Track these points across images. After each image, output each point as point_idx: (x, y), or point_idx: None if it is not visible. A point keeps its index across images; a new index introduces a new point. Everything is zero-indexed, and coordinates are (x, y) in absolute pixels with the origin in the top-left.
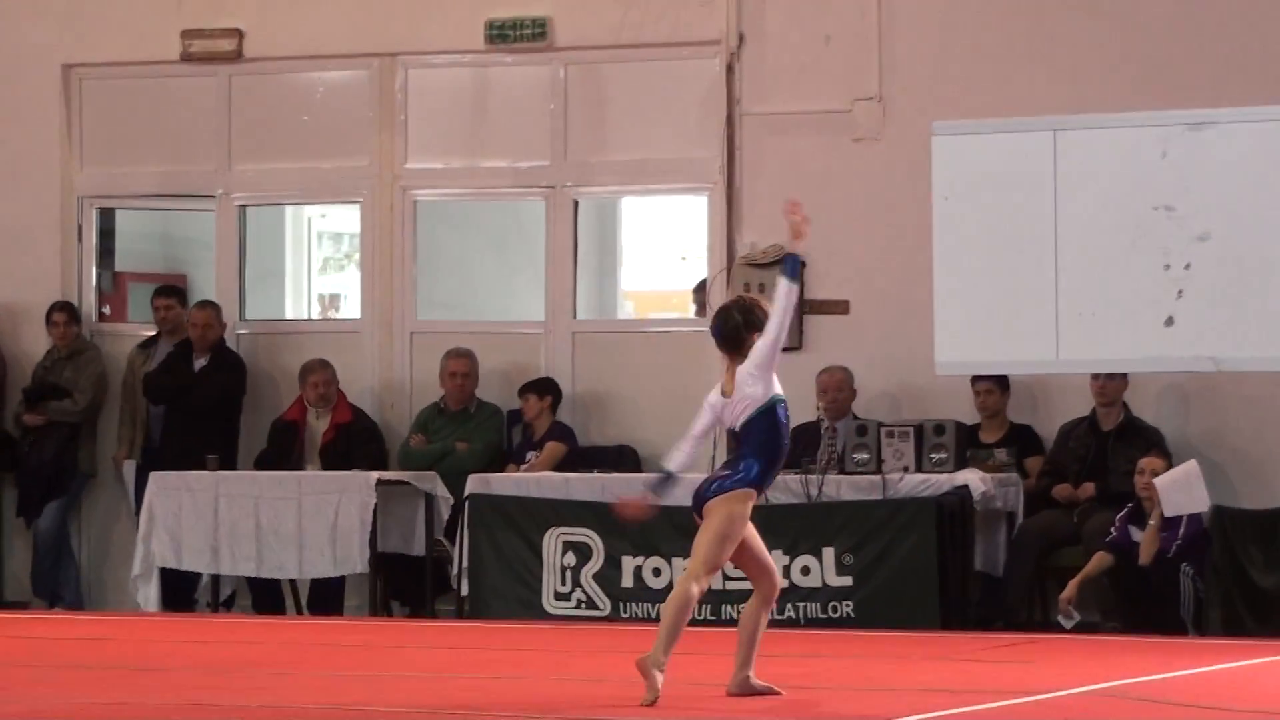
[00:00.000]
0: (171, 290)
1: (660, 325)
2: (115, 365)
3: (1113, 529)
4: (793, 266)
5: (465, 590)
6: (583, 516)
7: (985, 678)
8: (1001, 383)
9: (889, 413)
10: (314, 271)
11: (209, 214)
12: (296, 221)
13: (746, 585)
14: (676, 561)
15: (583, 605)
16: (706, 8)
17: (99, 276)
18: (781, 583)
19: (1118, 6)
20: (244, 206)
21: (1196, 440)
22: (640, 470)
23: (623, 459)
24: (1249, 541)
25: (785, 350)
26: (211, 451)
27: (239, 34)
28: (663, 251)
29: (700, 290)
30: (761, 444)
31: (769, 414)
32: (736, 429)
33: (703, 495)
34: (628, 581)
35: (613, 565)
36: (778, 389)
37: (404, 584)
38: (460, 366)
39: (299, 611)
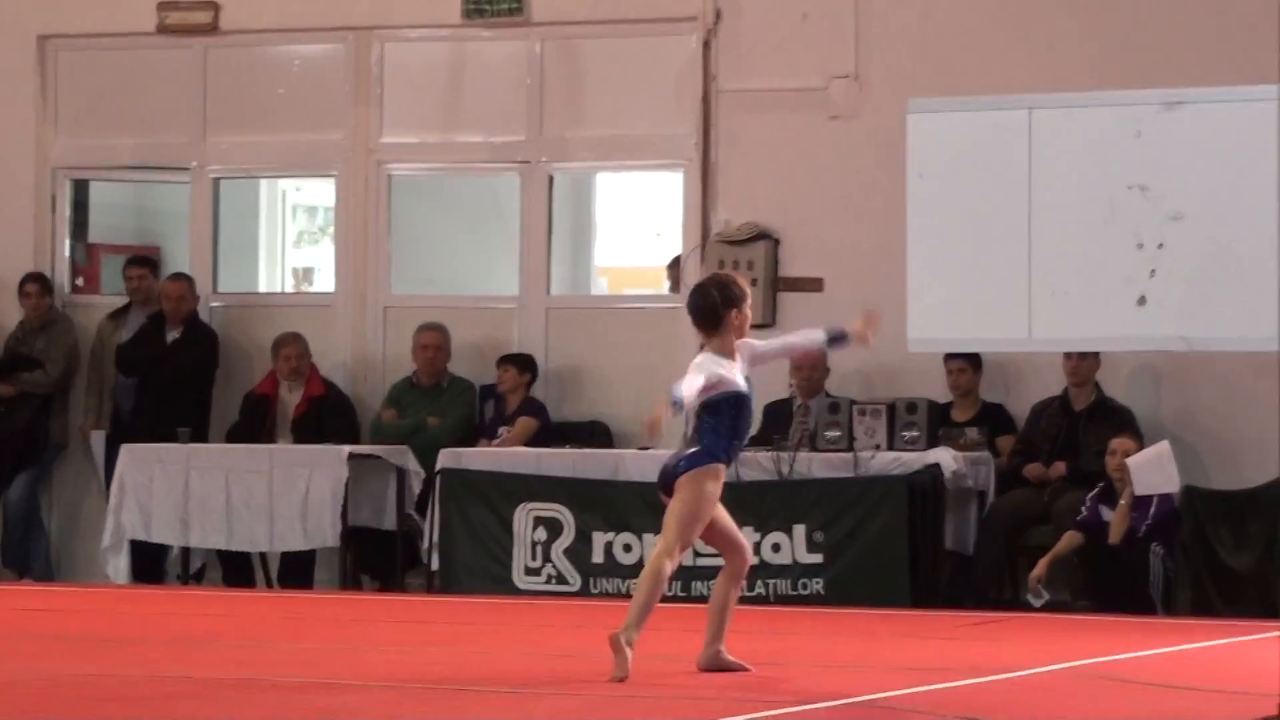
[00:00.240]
0: (143, 260)
1: (634, 301)
2: (88, 336)
3: (1083, 508)
4: (837, 339)
5: (435, 565)
6: (554, 492)
7: (955, 655)
8: (974, 361)
9: (861, 390)
10: (288, 245)
11: (183, 186)
12: (271, 194)
13: (717, 561)
14: (647, 538)
15: (553, 580)
16: None
17: (72, 248)
18: (752, 559)
19: None
20: (218, 179)
21: (1168, 420)
22: (612, 446)
23: (595, 434)
24: (1219, 522)
25: (758, 326)
26: (183, 424)
27: (215, 6)
28: (637, 227)
29: (674, 266)
30: (727, 422)
31: (735, 400)
32: (697, 405)
33: (671, 473)
34: (598, 557)
35: (583, 541)
36: (738, 385)
37: (374, 558)
38: (432, 340)
39: (269, 584)
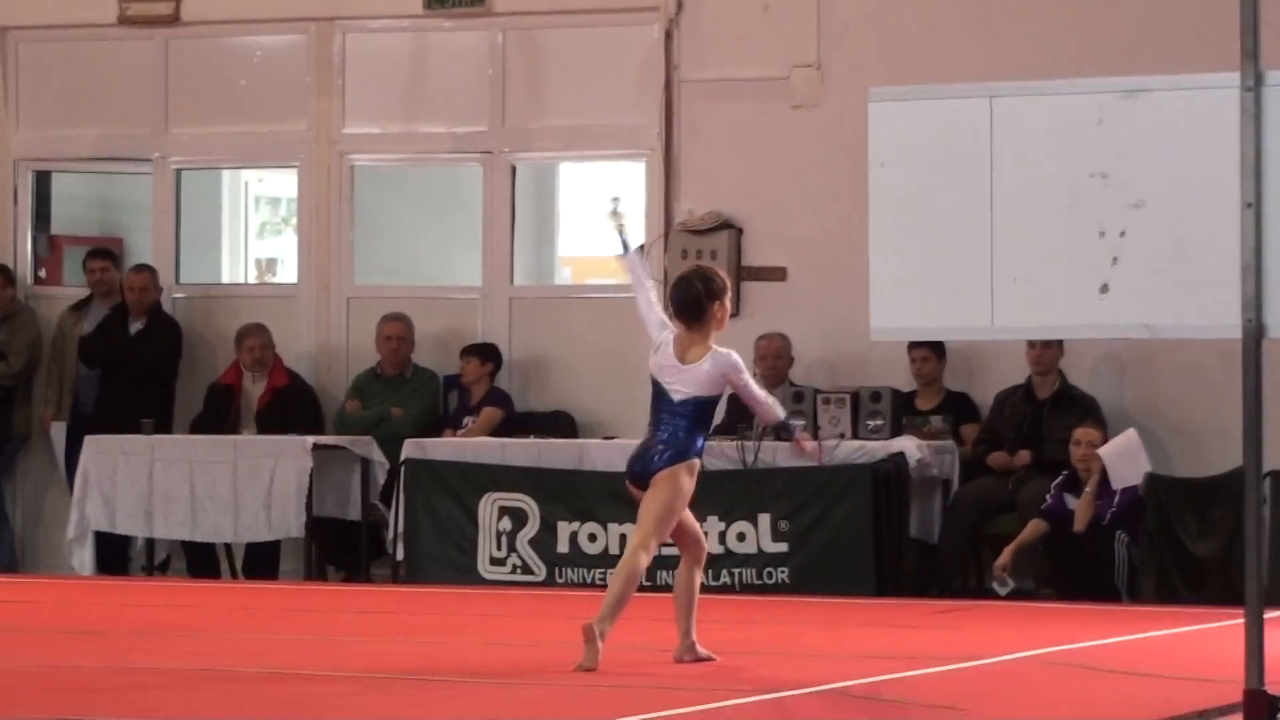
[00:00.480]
0: (105, 253)
1: (597, 291)
2: (50, 328)
3: (1048, 497)
4: (783, 429)
5: (400, 555)
6: (519, 482)
7: (919, 644)
8: (938, 350)
9: (826, 379)
10: (251, 236)
11: (145, 177)
12: (233, 185)
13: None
14: (612, 527)
15: (518, 570)
16: None
17: (34, 239)
18: (716, 548)
19: None
20: (180, 170)
21: (1131, 409)
22: (577, 436)
23: (559, 424)
24: (1183, 509)
25: None
26: (147, 415)
27: None
28: (600, 217)
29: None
30: (700, 420)
31: (712, 405)
32: (675, 400)
33: (647, 468)
34: (563, 547)
35: (548, 531)
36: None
37: (339, 548)
38: (395, 331)
39: (234, 575)
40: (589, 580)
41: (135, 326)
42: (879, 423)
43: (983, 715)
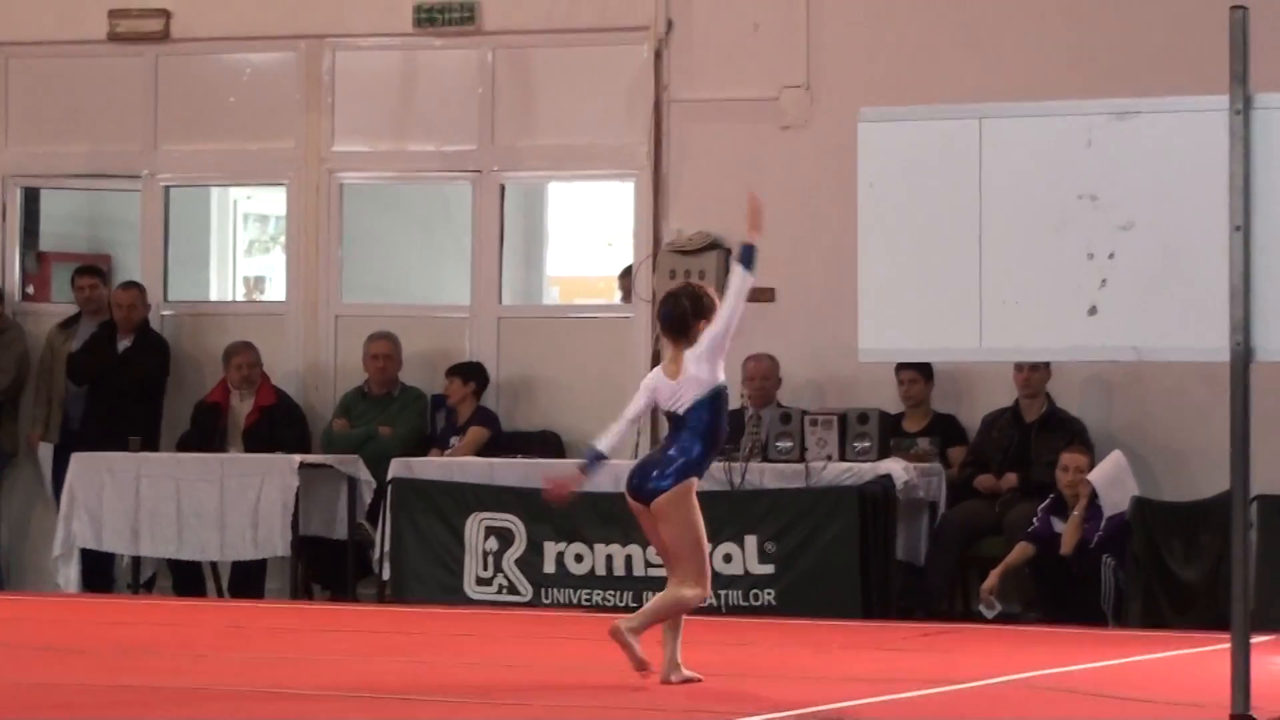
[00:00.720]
0: (93, 270)
1: (586, 311)
2: (38, 345)
3: (1035, 520)
4: (748, 256)
5: (387, 574)
6: (506, 502)
7: (906, 667)
8: (925, 372)
9: (813, 401)
10: (239, 253)
11: (134, 194)
12: (222, 203)
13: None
14: (599, 548)
15: (504, 590)
16: None
17: (23, 256)
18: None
19: None
20: (169, 187)
21: (1119, 432)
22: (564, 456)
23: (547, 444)
24: (1170, 534)
25: None
26: (134, 433)
27: (166, 14)
28: (589, 237)
29: (626, 276)
30: (704, 430)
31: (714, 400)
32: (680, 413)
33: (647, 486)
34: (550, 567)
35: (535, 551)
36: (722, 377)
37: (325, 567)
38: (383, 349)
39: (220, 594)
40: (575, 601)
41: (123, 344)
42: (866, 444)
43: None
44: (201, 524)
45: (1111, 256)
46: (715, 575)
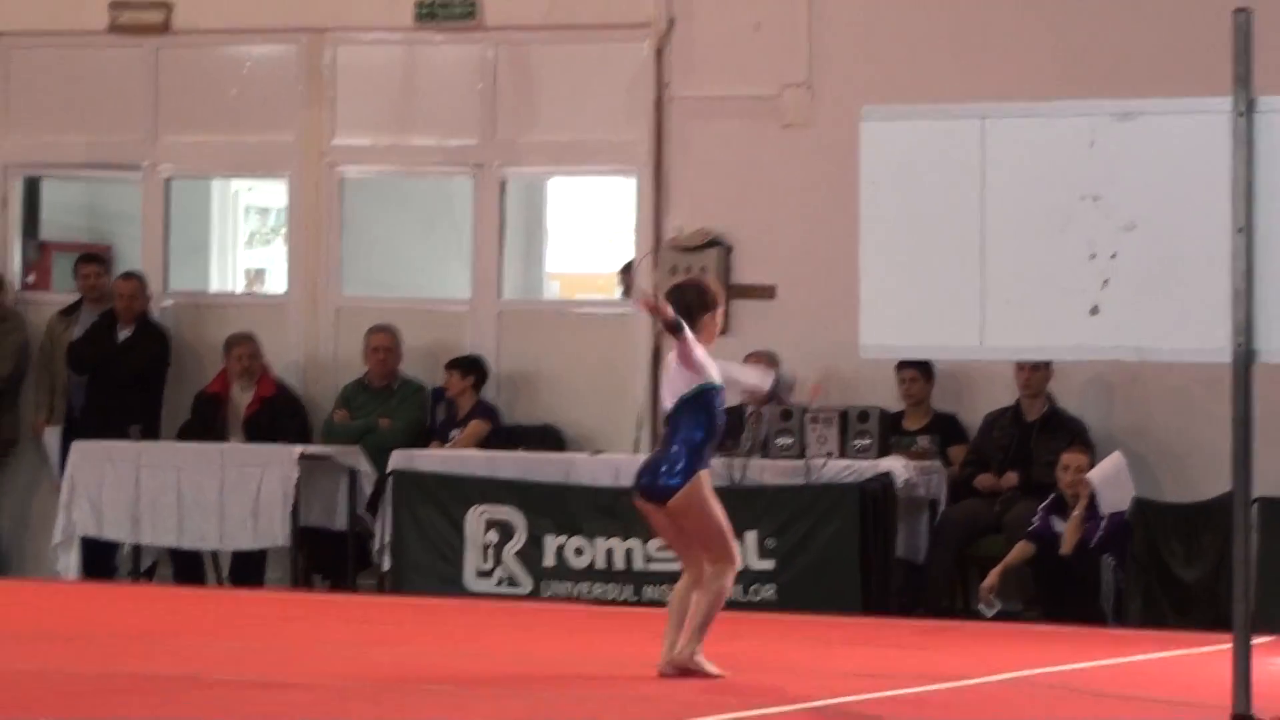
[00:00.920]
0: (96, 258)
1: (586, 306)
2: (38, 334)
3: (1035, 519)
4: (776, 388)
5: (387, 565)
6: (506, 494)
7: (905, 663)
8: (926, 371)
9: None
10: (240, 245)
11: (135, 185)
12: (223, 194)
13: (668, 567)
14: (599, 541)
15: (504, 583)
16: None
17: (24, 246)
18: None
19: None
20: (170, 179)
21: (1120, 432)
22: (564, 449)
23: (546, 438)
24: (1170, 534)
25: None
26: (134, 422)
27: (167, 6)
28: (589, 233)
29: (626, 272)
30: (697, 423)
31: (697, 399)
32: (669, 408)
33: (657, 485)
34: (549, 560)
35: (535, 544)
36: (712, 378)
37: (326, 558)
38: (382, 342)
39: (220, 583)
40: (575, 594)
41: (123, 333)
42: (866, 442)
43: None
44: (202, 513)
45: (1114, 257)
46: None
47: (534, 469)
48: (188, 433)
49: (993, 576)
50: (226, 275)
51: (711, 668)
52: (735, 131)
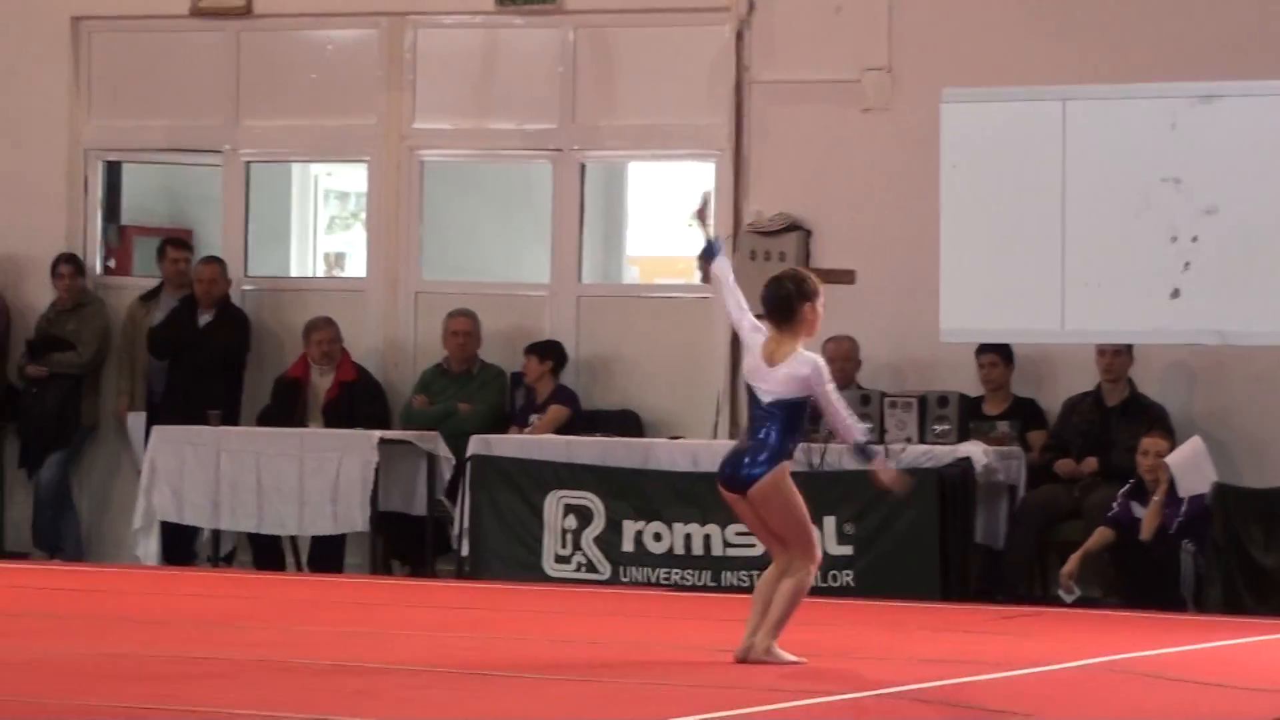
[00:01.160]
0: (183, 243)
1: (665, 291)
2: (119, 318)
3: (1114, 504)
4: (865, 453)
5: (465, 551)
6: (584, 479)
7: (983, 649)
8: (1005, 355)
9: (893, 383)
10: (320, 229)
11: (216, 169)
12: (303, 179)
13: (747, 553)
14: (677, 527)
15: (583, 569)
16: None
17: (104, 229)
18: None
19: None
20: (250, 163)
21: (1200, 418)
22: (642, 434)
23: (625, 423)
24: (1250, 520)
25: None
26: (214, 407)
27: None
28: (669, 217)
29: (705, 257)
30: (787, 419)
31: (799, 407)
32: (764, 402)
33: (740, 475)
34: (628, 546)
35: (614, 529)
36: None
37: (405, 543)
38: (462, 326)
39: (299, 568)
40: (654, 579)
41: (204, 318)
42: (946, 427)
43: None
44: (281, 498)
45: (1195, 240)
46: None
47: (612, 454)
48: (267, 418)
49: (1072, 562)
50: (306, 260)
51: (789, 656)
52: (815, 115)
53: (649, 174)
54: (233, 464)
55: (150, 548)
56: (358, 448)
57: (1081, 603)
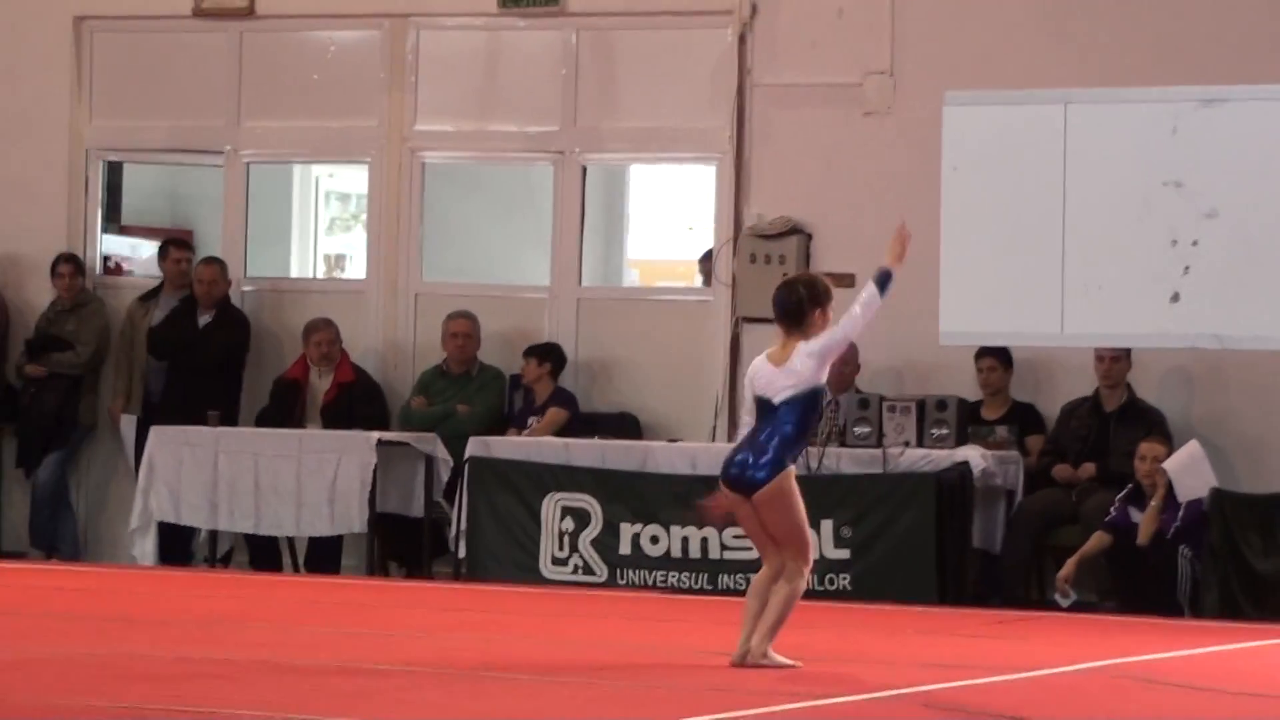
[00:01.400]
0: (184, 244)
1: (665, 294)
2: (119, 318)
3: (1112, 509)
4: (884, 279)
5: (463, 552)
6: (582, 482)
7: (980, 653)
8: (1005, 360)
9: (891, 387)
10: (320, 231)
11: (216, 170)
12: (304, 180)
13: (744, 555)
14: (675, 530)
15: (580, 571)
16: None
17: (104, 229)
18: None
19: None
20: (251, 164)
21: (1198, 423)
22: (641, 437)
23: (624, 426)
24: (1247, 526)
25: None
26: (213, 407)
27: None
28: (670, 221)
29: (706, 260)
30: (795, 421)
31: (809, 399)
32: (774, 402)
33: (745, 477)
34: (625, 549)
35: (611, 532)
36: (823, 379)
37: (402, 545)
38: (461, 328)
39: (296, 569)
40: (650, 582)
41: (204, 319)
42: (944, 432)
43: None
44: (279, 499)
45: (1195, 244)
46: None
47: (611, 457)
48: (266, 418)
49: (1069, 566)
50: (306, 261)
51: (784, 660)
52: (817, 119)
53: (650, 177)
54: (231, 464)
55: (147, 548)
56: (356, 449)
57: (1078, 607)
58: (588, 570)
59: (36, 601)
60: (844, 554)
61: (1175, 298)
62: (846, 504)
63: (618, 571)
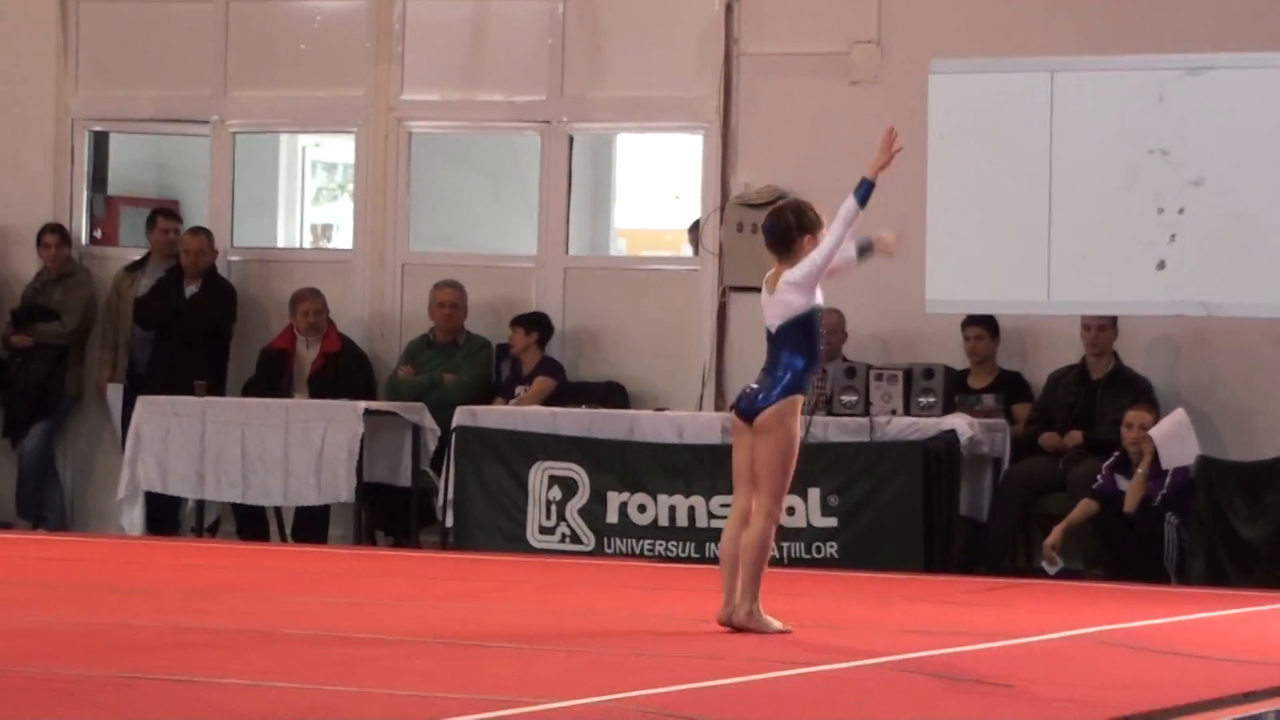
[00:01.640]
0: (173, 214)
1: (652, 263)
2: (105, 288)
3: (1099, 477)
4: (865, 192)
5: (450, 522)
6: (569, 451)
7: (966, 620)
8: (991, 328)
9: (878, 355)
10: (307, 200)
11: (203, 140)
12: (291, 150)
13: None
14: (662, 499)
15: (567, 540)
16: None
17: (91, 200)
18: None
19: None
20: (238, 133)
21: (1185, 391)
22: (628, 406)
23: (611, 395)
24: (1234, 493)
25: None
26: (200, 377)
27: None
28: (657, 190)
29: (695, 229)
30: (800, 346)
31: (807, 322)
32: (772, 330)
33: (753, 405)
34: (612, 517)
35: (598, 501)
36: (817, 300)
37: (389, 514)
38: (448, 297)
39: (283, 539)
40: (637, 551)
41: (190, 289)
42: (931, 400)
43: (1032, 691)
44: (266, 469)
45: (1181, 212)
46: (778, 527)
47: (598, 425)
48: (253, 388)
49: (1056, 534)
50: (293, 231)
51: (775, 623)
52: (804, 88)
53: (637, 146)
54: (218, 434)
55: (135, 518)
56: (343, 418)
57: (1064, 575)
58: (575, 539)
59: (24, 571)
60: (831, 522)
61: (1161, 265)
62: (834, 472)
63: (605, 540)
